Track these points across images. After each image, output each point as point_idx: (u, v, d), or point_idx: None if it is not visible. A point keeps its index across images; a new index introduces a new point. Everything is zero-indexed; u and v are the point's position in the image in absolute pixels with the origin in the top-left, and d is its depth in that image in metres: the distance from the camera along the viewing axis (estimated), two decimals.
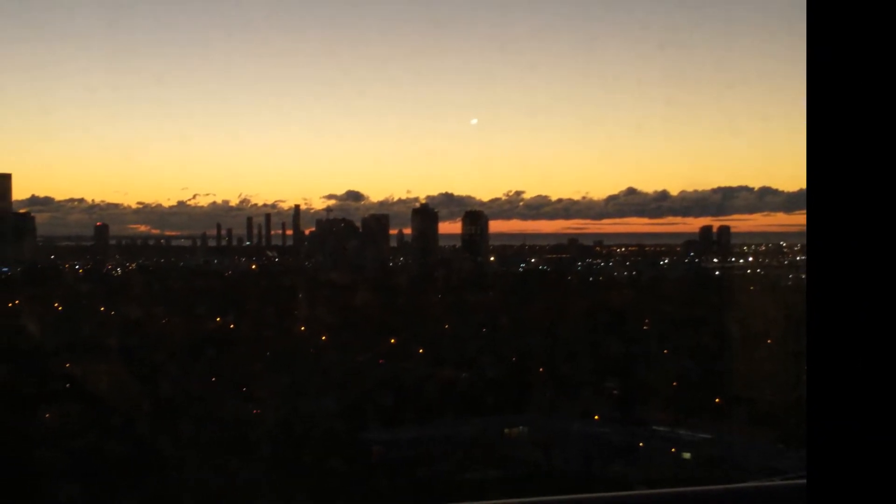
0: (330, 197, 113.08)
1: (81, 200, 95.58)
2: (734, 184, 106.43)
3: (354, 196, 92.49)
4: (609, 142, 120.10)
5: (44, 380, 37.25)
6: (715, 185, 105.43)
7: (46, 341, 40.61)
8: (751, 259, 75.01)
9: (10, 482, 29.38)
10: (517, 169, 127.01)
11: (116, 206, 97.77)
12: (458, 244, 77.69)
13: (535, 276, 67.14)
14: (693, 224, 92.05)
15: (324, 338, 45.55)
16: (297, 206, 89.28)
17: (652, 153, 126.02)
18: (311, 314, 48.54)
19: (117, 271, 67.32)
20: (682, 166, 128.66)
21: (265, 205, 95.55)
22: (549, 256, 77.96)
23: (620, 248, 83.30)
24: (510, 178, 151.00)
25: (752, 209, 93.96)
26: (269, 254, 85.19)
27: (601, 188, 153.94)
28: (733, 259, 73.91)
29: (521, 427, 37.51)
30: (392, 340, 45.48)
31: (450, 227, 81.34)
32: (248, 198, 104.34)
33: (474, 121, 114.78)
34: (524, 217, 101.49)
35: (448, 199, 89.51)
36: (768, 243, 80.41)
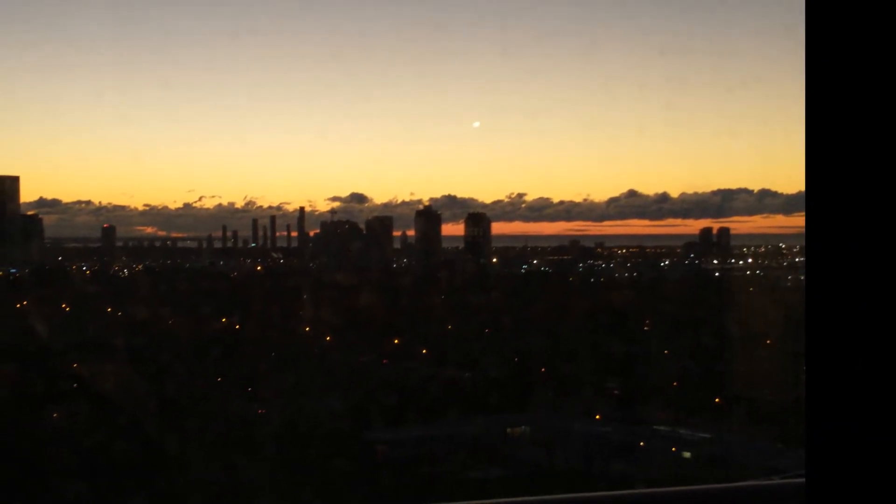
0: (334, 199, 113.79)
1: (89, 202, 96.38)
2: (734, 186, 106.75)
3: (358, 198, 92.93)
4: (610, 145, 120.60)
5: (52, 379, 37.37)
6: (715, 188, 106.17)
7: (54, 341, 40.74)
8: (750, 260, 75.11)
9: (20, 480, 29.58)
10: (519, 171, 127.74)
11: (123, 208, 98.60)
12: (461, 246, 77.86)
13: (536, 278, 67.06)
14: (693, 226, 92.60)
15: (328, 338, 45.62)
16: (301, 209, 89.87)
17: (652, 156, 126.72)
18: (315, 315, 48.62)
19: (124, 272, 67.48)
20: (683, 169, 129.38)
21: (270, 207, 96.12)
22: (551, 258, 77.94)
23: (621, 250, 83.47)
24: (512, 181, 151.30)
25: (751, 211, 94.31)
26: (274, 255, 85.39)
27: (602, 190, 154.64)
28: (733, 260, 73.98)
29: (523, 426, 37.59)
30: (396, 341, 45.59)
31: (453, 229, 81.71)
32: (253, 200, 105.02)
33: (477, 124, 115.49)
34: (526, 219, 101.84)
35: (451, 201, 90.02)
36: (767, 245, 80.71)
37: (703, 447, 34.85)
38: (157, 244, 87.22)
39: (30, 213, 75.96)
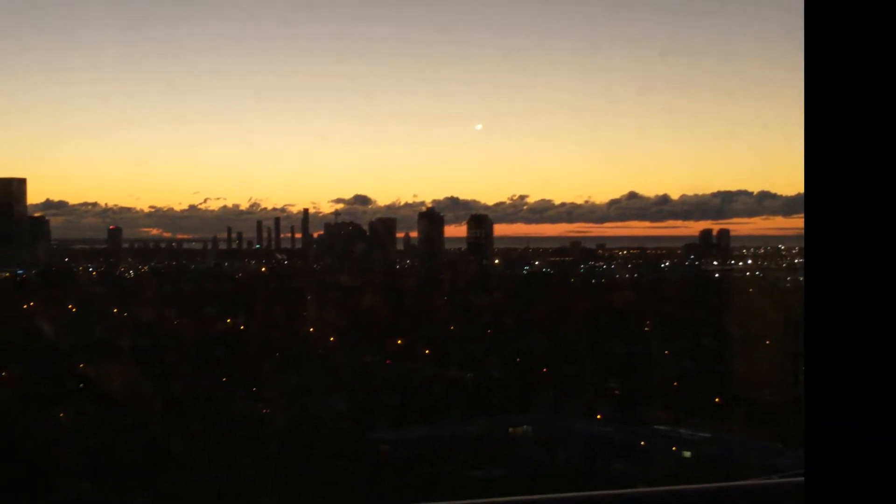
0: (338, 201, 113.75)
1: (95, 204, 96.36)
2: (733, 188, 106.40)
3: (362, 200, 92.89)
4: (611, 147, 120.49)
5: (58, 380, 37.58)
6: (715, 190, 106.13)
7: (60, 342, 40.85)
8: (750, 262, 74.93)
9: (25, 480, 29.79)
10: (521, 173, 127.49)
11: (129, 209, 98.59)
12: (464, 247, 77.68)
13: (538, 279, 66.92)
14: (693, 227, 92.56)
15: (332, 339, 45.73)
16: (305, 210, 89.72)
17: (653, 158, 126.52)
18: (319, 316, 48.72)
19: (130, 274, 67.68)
20: (683, 171, 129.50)
21: (275, 209, 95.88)
22: (553, 259, 77.73)
23: (622, 251, 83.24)
24: (514, 183, 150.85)
25: (751, 213, 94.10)
26: (279, 256, 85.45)
27: (603, 192, 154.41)
28: (733, 262, 73.76)
29: (525, 426, 37.73)
30: (399, 341, 45.70)
31: (455, 231, 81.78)
32: (258, 202, 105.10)
33: (479, 126, 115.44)
34: (528, 221, 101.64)
35: (453, 203, 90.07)
36: (767, 246, 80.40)
37: (703, 447, 34.99)
38: (163, 245, 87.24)
39: (36, 214, 75.98)
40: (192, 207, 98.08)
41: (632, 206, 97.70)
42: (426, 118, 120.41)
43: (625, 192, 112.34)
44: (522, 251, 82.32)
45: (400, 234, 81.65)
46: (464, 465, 33.06)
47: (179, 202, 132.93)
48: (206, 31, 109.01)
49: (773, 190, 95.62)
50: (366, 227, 79.73)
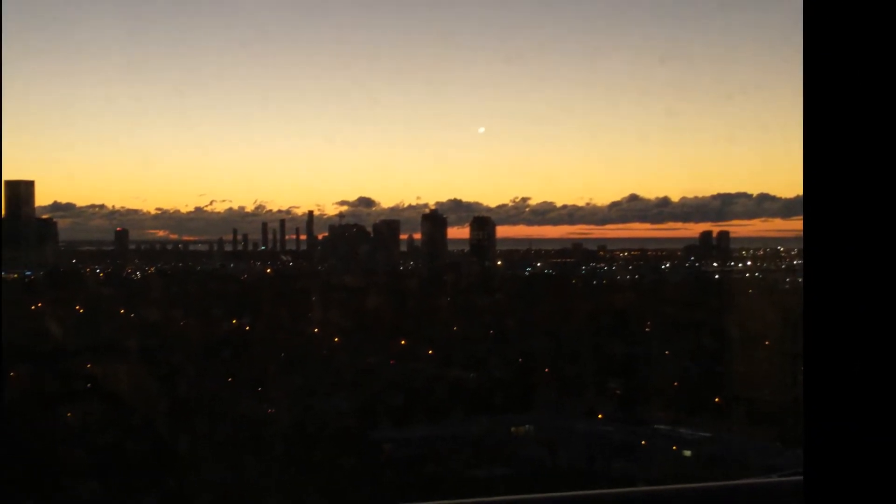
0: (342, 203, 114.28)
1: (102, 206, 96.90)
2: (733, 190, 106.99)
3: (366, 202, 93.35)
4: (612, 150, 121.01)
5: (65, 380, 37.66)
6: (715, 192, 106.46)
7: (68, 342, 41.17)
8: (749, 263, 75.04)
9: (33, 479, 29.87)
10: (523, 176, 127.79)
11: (136, 211, 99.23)
12: (467, 249, 77.82)
13: (540, 280, 67.22)
14: (693, 229, 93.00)
15: (336, 339, 45.90)
16: (310, 212, 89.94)
17: (654, 161, 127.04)
18: (323, 317, 48.83)
19: (137, 275, 67.78)
20: (683, 173, 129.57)
21: (280, 211, 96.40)
22: (554, 261, 77.90)
23: (623, 253, 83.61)
24: (516, 185, 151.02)
25: (750, 215, 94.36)
26: (284, 258, 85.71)
27: (605, 195, 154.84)
28: (732, 263, 73.94)
29: (527, 426, 37.83)
30: (402, 342, 45.87)
31: (458, 233, 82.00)
32: (263, 204, 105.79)
33: (482, 129, 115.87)
34: (530, 222, 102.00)
35: (456, 205, 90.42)
36: (766, 248, 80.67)
37: (703, 446, 35.13)
38: (169, 247, 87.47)
39: (44, 216, 76.55)
40: (199, 209, 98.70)
41: (633, 208, 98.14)
42: (430, 121, 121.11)
43: (626, 194, 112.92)
44: (524, 253, 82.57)
45: (403, 236, 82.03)
46: (466, 465, 33.18)
47: (186, 204, 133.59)
48: (213, 35, 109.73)
49: (772, 192, 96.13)
50: (370, 229, 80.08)
